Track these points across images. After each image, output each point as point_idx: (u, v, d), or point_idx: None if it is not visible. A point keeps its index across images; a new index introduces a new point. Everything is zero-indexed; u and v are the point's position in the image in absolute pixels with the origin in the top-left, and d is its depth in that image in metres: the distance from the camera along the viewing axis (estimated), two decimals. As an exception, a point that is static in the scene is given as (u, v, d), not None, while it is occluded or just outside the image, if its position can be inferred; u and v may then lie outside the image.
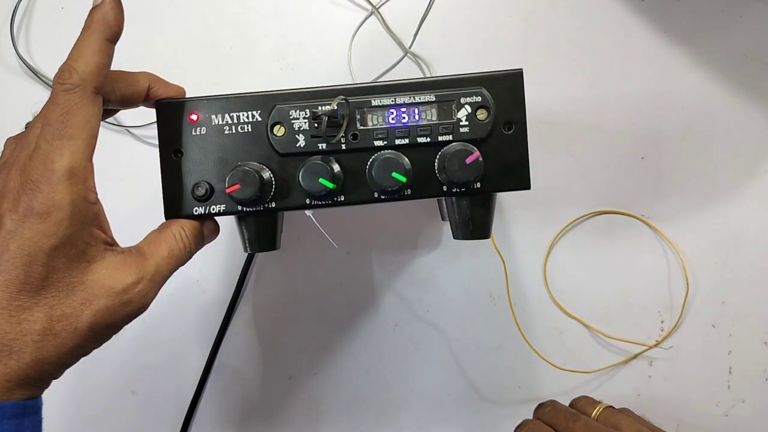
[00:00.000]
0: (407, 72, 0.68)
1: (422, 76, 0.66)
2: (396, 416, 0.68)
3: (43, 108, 0.40)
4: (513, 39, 0.68)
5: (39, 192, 0.38)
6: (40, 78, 0.69)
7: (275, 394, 0.68)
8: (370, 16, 0.68)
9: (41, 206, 0.37)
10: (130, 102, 0.45)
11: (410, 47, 0.67)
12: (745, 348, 0.66)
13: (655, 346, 0.66)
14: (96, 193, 0.41)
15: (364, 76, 0.68)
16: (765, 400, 0.66)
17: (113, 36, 0.41)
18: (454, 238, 0.48)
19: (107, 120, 0.66)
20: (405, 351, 0.68)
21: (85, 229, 0.40)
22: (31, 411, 0.39)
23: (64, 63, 0.40)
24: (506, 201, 0.67)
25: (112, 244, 0.42)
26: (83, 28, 0.41)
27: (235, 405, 0.68)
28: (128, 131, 0.68)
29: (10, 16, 0.69)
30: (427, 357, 0.68)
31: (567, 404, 0.58)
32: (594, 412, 0.55)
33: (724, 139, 0.66)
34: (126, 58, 0.69)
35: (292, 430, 0.68)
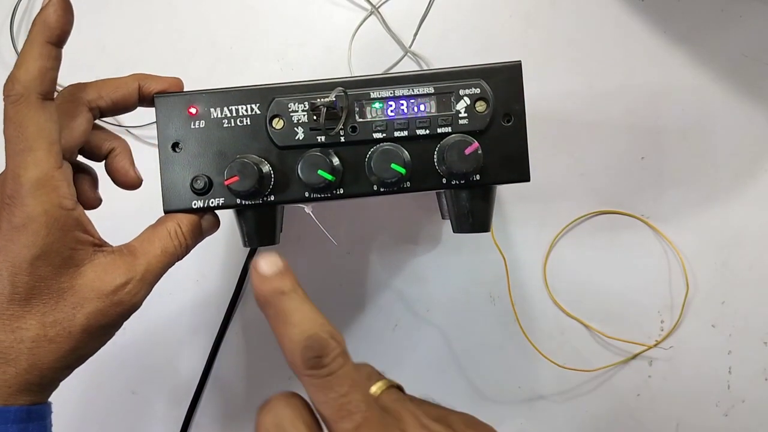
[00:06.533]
0: (407, 72, 0.68)
1: (421, 69, 0.66)
2: (395, 416, 0.67)
3: None
4: (513, 39, 0.68)
5: (14, 207, 0.38)
6: (40, 77, 0.69)
7: (275, 394, 0.68)
8: (370, 15, 0.68)
9: (18, 220, 0.38)
10: (124, 105, 0.45)
11: (410, 47, 0.67)
12: (745, 348, 0.66)
13: (655, 346, 0.66)
14: (72, 199, 0.41)
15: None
16: (765, 400, 0.65)
17: (55, 38, 0.39)
18: (454, 231, 0.48)
19: (107, 120, 0.66)
20: (405, 351, 0.68)
21: (68, 236, 0.40)
22: (37, 416, 0.40)
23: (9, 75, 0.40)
24: (506, 199, 0.67)
25: (101, 245, 0.42)
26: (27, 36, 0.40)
27: (235, 405, 0.68)
28: (128, 131, 0.68)
29: (10, 16, 0.69)
30: (427, 357, 0.68)
31: None
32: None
33: (724, 139, 0.66)
34: (126, 59, 0.70)
35: (291, 429, 0.68)
